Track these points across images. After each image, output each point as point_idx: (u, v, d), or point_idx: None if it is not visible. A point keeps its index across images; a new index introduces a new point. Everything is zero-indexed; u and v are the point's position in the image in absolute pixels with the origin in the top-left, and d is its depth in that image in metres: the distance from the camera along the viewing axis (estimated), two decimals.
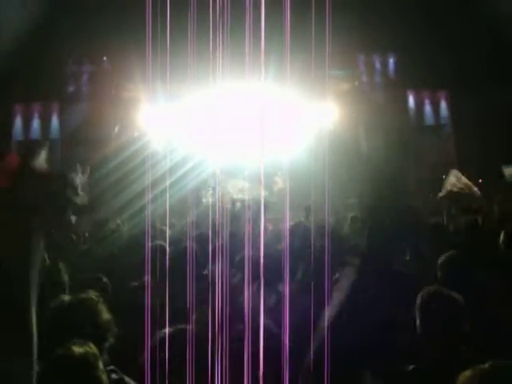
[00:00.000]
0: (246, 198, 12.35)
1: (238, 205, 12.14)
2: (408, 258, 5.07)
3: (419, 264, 4.71)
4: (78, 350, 2.06)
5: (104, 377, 2.08)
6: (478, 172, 17.13)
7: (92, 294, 2.62)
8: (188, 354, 2.40)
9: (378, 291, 3.75)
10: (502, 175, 13.00)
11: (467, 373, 1.52)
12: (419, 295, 3.27)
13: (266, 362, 2.52)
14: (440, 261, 4.24)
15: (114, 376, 2.37)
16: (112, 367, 2.42)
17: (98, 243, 7.13)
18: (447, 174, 18.25)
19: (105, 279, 4.40)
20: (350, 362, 2.69)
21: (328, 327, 2.73)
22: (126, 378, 2.48)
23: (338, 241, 5.40)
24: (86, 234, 8.85)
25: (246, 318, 2.73)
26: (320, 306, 3.12)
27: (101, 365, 2.09)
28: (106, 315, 2.67)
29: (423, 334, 3.04)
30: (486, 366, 1.53)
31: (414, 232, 5.17)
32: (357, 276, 4.13)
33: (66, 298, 2.79)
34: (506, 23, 14.74)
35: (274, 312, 3.26)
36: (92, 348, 2.12)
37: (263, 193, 13.02)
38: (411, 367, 2.84)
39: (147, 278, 3.33)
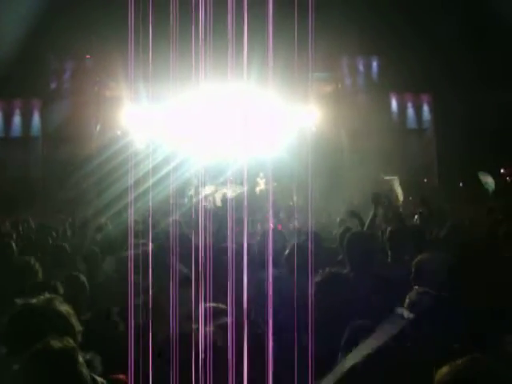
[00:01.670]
0: (228, 198, 12.34)
1: (220, 204, 12.15)
2: (389, 260, 5.09)
3: (400, 266, 4.72)
4: (56, 344, 2.05)
5: (84, 370, 2.06)
6: (458, 175, 17.33)
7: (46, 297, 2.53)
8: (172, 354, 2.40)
9: (359, 294, 3.77)
10: (479, 182, 13.17)
11: (444, 369, 1.54)
12: (408, 295, 3.29)
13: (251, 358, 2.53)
14: (413, 263, 4.29)
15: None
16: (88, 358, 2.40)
17: (79, 240, 7.09)
18: (428, 177, 18.43)
19: (82, 278, 4.35)
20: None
21: (311, 330, 2.74)
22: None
23: (320, 243, 5.40)
24: (68, 232, 8.78)
25: (230, 316, 2.73)
26: (302, 309, 3.13)
27: (80, 358, 2.08)
28: (65, 315, 2.64)
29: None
30: (462, 361, 1.54)
31: (395, 234, 5.18)
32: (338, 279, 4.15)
33: (19, 302, 2.73)
34: (489, 26, 14.90)
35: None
36: (70, 342, 2.11)
37: (245, 193, 13.03)
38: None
39: (130, 276, 3.31)
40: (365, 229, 5.57)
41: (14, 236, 7.81)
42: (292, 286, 3.59)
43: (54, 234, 8.55)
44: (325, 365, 2.55)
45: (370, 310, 3.42)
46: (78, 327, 2.67)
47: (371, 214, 5.71)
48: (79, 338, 2.65)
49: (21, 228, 9.32)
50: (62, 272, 4.64)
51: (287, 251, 4.65)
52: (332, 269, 3.75)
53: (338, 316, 3.21)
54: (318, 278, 3.69)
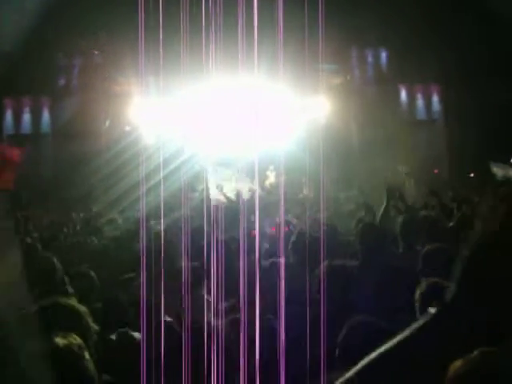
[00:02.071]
0: (238, 192, 12.33)
1: (233, 198, 12.13)
2: (401, 250, 5.07)
3: (412, 257, 4.70)
4: (61, 341, 2.05)
5: (91, 366, 2.06)
6: (469, 166, 17.22)
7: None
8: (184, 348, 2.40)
9: (374, 286, 3.75)
10: (490, 173, 13.06)
11: (457, 363, 1.52)
12: (418, 288, 3.25)
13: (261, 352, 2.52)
14: (422, 253, 4.27)
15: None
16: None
17: (89, 236, 7.11)
18: (439, 168, 18.32)
19: (92, 273, 4.34)
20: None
21: (324, 322, 2.73)
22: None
23: (334, 236, 5.38)
24: (78, 227, 8.82)
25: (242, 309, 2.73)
26: (315, 304, 3.10)
27: (87, 355, 2.08)
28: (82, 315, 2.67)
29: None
30: (475, 354, 1.53)
31: (406, 224, 5.16)
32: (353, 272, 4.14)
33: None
34: (499, 19, 14.77)
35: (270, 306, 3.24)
36: (76, 339, 2.11)
37: (257, 187, 13.02)
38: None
39: (142, 271, 3.32)
40: (378, 221, 5.56)
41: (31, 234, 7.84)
42: (300, 277, 3.57)
43: (65, 230, 8.60)
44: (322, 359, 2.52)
45: (375, 304, 3.39)
46: (95, 327, 2.70)
47: (383, 206, 5.69)
48: (95, 337, 2.68)
49: (31, 226, 9.37)
50: (75, 268, 4.65)
51: (293, 240, 4.64)
52: (334, 261, 3.71)
53: (338, 309, 3.15)
54: (318, 271, 3.66)
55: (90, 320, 2.75)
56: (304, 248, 3.77)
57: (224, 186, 14.00)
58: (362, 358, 1.98)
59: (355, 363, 1.97)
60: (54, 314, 2.68)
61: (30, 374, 2.00)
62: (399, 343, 1.02)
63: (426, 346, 1.00)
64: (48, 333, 2.12)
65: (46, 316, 2.67)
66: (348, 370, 1.99)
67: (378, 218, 5.70)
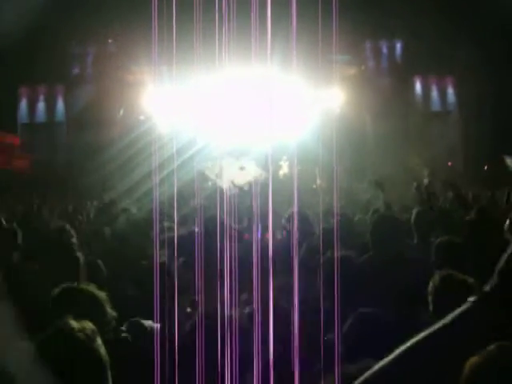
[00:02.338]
0: (252, 182, 12.32)
1: (245, 189, 12.14)
2: (415, 241, 5.05)
3: (426, 248, 4.67)
4: (75, 324, 2.07)
5: (103, 351, 2.07)
6: (483, 158, 17.09)
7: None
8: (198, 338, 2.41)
9: (387, 277, 3.74)
10: (504, 165, 12.94)
11: (474, 358, 1.50)
12: (431, 280, 3.22)
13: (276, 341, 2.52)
14: (435, 244, 4.25)
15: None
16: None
17: (103, 225, 7.14)
18: (453, 160, 18.18)
19: (100, 263, 4.30)
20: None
21: (337, 311, 2.71)
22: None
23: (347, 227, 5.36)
24: (91, 215, 8.85)
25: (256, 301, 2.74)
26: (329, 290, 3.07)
27: (99, 340, 2.08)
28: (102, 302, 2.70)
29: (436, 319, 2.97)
30: (493, 348, 1.51)
31: (421, 216, 5.14)
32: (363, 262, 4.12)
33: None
34: None
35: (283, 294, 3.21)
36: (89, 324, 2.12)
37: (270, 177, 13.00)
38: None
39: (155, 259, 3.33)
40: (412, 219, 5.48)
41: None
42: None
43: (80, 217, 8.64)
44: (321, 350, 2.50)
45: (377, 296, 3.34)
46: (113, 314, 2.72)
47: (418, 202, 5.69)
48: (113, 323, 2.70)
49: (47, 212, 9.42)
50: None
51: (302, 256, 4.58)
52: (334, 252, 3.64)
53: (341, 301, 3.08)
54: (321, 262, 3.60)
55: (108, 306, 2.78)
56: (315, 269, 3.63)
57: (237, 175, 14.00)
58: (365, 350, 1.96)
59: (358, 355, 1.95)
60: (72, 300, 2.71)
61: (40, 355, 2.02)
62: (433, 334, 1.02)
63: (464, 337, 1.00)
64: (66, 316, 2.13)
65: (66, 301, 2.70)
66: (351, 361, 1.98)
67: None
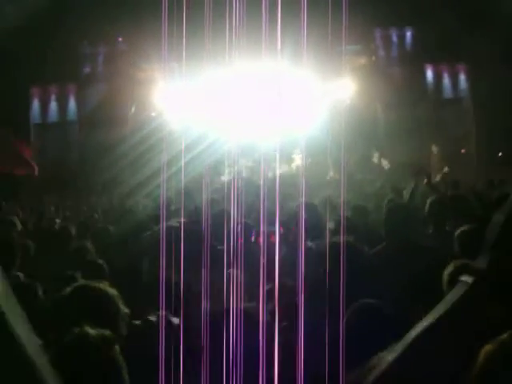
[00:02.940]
0: (261, 175, 12.33)
1: (256, 181, 12.14)
2: (431, 231, 5.02)
3: (442, 237, 4.64)
4: (91, 331, 2.06)
5: (120, 358, 2.06)
6: (497, 145, 16.99)
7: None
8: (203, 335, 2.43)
9: (400, 265, 3.71)
10: None
11: (488, 347, 1.50)
12: (445, 271, 3.18)
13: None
14: (456, 234, 4.17)
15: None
16: None
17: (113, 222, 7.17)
18: (466, 147, 18.08)
19: (101, 262, 4.28)
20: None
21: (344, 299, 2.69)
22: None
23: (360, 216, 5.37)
24: (97, 216, 8.85)
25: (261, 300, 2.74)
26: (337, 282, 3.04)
27: (117, 347, 2.08)
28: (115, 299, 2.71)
29: None
30: (506, 336, 1.50)
31: (434, 205, 5.10)
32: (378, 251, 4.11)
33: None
34: None
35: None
36: (106, 331, 2.12)
37: (279, 170, 13.01)
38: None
39: (161, 257, 3.32)
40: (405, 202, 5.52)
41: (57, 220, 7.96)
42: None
43: (96, 216, 8.70)
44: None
45: (384, 286, 3.28)
46: (125, 310, 2.73)
47: (411, 187, 5.65)
48: (126, 319, 2.72)
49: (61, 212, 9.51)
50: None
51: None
52: (337, 238, 3.53)
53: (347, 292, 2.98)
54: (322, 248, 3.47)
55: (120, 303, 2.78)
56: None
57: (247, 169, 14.03)
58: (365, 344, 1.92)
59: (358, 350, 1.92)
60: (85, 298, 2.71)
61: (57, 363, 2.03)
62: (435, 325, 0.98)
63: (469, 323, 0.98)
64: (79, 317, 2.13)
65: (78, 299, 2.71)
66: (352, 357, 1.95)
67: (405, 200, 5.66)
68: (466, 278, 1.02)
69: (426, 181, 6.55)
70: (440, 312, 1.00)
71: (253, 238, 4.90)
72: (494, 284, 0.99)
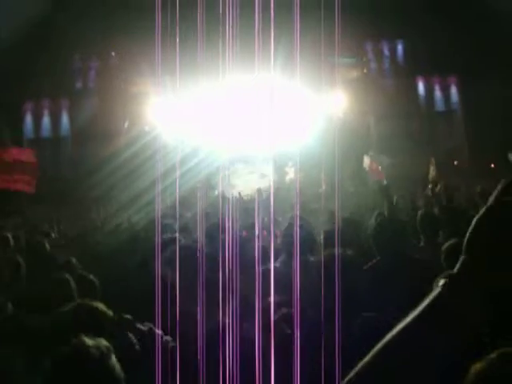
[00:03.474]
0: (256, 188, 12.34)
1: (249, 195, 12.15)
2: (422, 244, 5.03)
3: (433, 250, 4.64)
4: (89, 341, 2.07)
5: (117, 368, 2.07)
6: (489, 157, 17.04)
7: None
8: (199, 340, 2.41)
9: (391, 276, 3.70)
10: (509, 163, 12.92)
11: (477, 365, 1.51)
12: (434, 282, 3.15)
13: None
14: (443, 248, 4.17)
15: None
16: None
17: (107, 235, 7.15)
18: (459, 159, 18.16)
19: (92, 277, 4.23)
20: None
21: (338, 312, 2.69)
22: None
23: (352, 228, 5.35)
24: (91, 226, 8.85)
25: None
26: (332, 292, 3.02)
27: (114, 357, 2.09)
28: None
29: None
30: (495, 355, 1.51)
31: (425, 218, 5.12)
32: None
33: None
34: None
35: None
36: (103, 341, 2.12)
37: (272, 184, 13.03)
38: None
39: (157, 269, 3.30)
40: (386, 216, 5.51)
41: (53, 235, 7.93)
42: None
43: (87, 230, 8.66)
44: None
45: (373, 298, 3.27)
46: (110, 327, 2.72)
47: (385, 204, 5.67)
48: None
49: (56, 227, 9.48)
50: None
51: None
52: (332, 250, 3.53)
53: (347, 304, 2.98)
54: (315, 258, 3.45)
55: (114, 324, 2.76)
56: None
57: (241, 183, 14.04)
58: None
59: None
60: (79, 316, 2.70)
61: (56, 373, 2.02)
62: (406, 329, 0.97)
63: (439, 328, 0.96)
64: (75, 333, 2.13)
65: (72, 318, 2.70)
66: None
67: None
68: (441, 282, 1.01)
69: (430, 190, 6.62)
70: (412, 316, 1.00)
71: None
72: (468, 286, 0.97)
